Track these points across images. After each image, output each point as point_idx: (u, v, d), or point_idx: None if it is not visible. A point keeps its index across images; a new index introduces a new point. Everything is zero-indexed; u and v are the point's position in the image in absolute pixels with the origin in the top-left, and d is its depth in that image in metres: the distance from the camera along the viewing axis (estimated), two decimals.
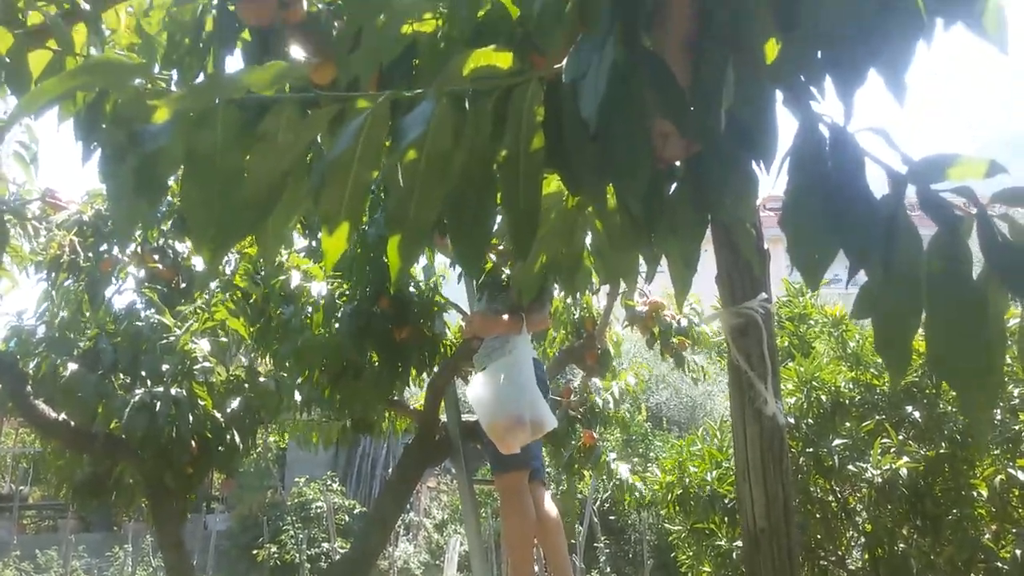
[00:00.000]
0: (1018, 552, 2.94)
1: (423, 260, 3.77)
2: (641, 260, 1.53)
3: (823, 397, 3.33)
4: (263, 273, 3.53)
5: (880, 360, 3.52)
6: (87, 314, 3.44)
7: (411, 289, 3.71)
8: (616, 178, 0.84)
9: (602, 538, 12.22)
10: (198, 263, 3.45)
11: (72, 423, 3.17)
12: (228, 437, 3.21)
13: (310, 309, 3.51)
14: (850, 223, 0.75)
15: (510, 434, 3.23)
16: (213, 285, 3.33)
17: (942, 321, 0.77)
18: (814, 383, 3.34)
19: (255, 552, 14.07)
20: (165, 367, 3.10)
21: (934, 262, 0.77)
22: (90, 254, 3.40)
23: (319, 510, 13.67)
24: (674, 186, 1.05)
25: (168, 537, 3.22)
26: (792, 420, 3.29)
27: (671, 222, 1.03)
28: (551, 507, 3.54)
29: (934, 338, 0.77)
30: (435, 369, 3.73)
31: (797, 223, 0.78)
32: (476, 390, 3.41)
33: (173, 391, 3.00)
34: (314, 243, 3.85)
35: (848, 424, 3.37)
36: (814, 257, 0.78)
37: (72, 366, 3.10)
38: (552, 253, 1.49)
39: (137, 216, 1.02)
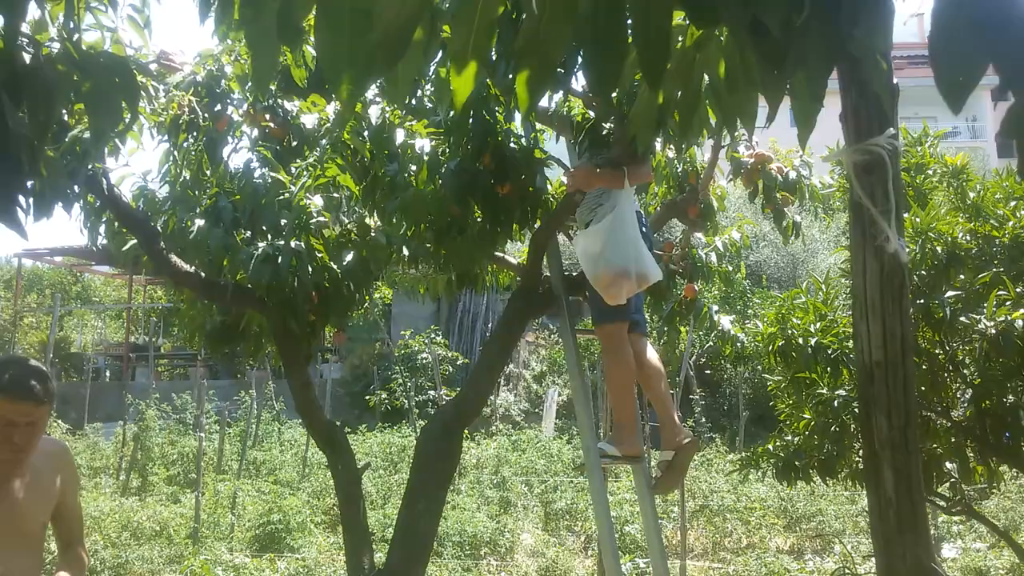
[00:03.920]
0: None
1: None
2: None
3: (938, 248, 3.23)
4: (367, 132, 3.59)
5: (1001, 211, 3.36)
6: (207, 173, 3.61)
7: (512, 145, 3.73)
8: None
9: (697, 391, 12.47)
10: (307, 121, 3.53)
11: (203, 274, 3.41)
12: (345, 288, 3.40)
13: (414, 167, 3.58)
14: (1003, 36, 0.71)
15: (615, 285, 3.30)
16: (323, 142, 3.42)
17: None
18: (929, 234, 3.23)
19: (367, 398, 15.14)
20: (283, 222, 3.26)
21: None
22: (206, 114, 3.53)
23: (424, 361, 14.44)
24: (804, 15, 1.02)
25: (297, 378, 3.49)
26: None
27: (800, 53, 1.01)
28: (653, 356, 3.64)
29: None
30: (537, 224, 3.78)
31: (944, 38, 0.75)
32: (582, 243, 3.47)
33: (292, 244, 3.17)
34: (413, 101, 3.86)
35: (963, 276, 3.27)
36: (959, 79, 0.76)
37: (199, 222, 3.30)
38: (669, 94, 1.47)
39: (275, 64, 1.07)
